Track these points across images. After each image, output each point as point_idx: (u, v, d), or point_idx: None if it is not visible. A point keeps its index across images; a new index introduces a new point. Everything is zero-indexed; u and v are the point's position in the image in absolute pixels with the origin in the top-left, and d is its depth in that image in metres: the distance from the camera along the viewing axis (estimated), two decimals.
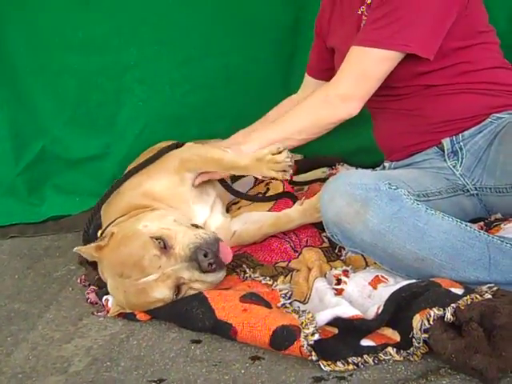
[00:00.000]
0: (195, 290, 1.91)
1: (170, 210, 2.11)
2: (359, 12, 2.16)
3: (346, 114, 2.08)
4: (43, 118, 3.17)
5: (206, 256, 1.87)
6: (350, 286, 1.87)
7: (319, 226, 2.16)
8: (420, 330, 1.52)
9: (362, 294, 1.83)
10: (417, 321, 1.54)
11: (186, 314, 1.84)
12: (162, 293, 1.88)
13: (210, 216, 2.24)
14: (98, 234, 2.14)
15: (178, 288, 1.90)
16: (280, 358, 1.64)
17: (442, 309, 1.53)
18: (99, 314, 2.04)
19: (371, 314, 1.69)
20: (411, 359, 1.53)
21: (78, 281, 2.31)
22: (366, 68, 2.03)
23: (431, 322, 1.52)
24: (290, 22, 2.97)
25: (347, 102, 2.06)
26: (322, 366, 1.54)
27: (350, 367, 1.54)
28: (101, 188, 2.38)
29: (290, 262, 2.15)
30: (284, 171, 2.06)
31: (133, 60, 3.05)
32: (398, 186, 1.82)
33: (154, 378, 1.64)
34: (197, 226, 2.05)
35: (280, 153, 2.05)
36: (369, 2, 2.12)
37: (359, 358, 1.55)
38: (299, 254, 2.16)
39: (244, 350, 1.71)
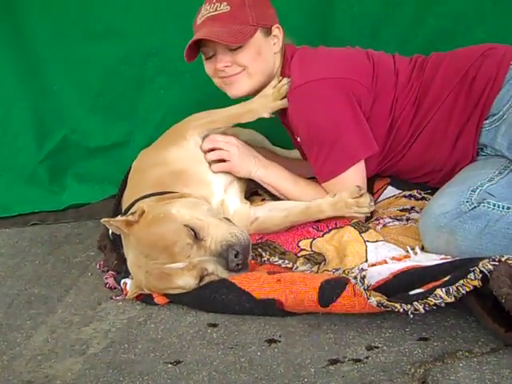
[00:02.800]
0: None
1: (201, 200, 2.11)
2: (298, 139, 2.26)
3: None
4: (65, 106, 3.20)
5: (236, 256, 1.87)
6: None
7: None
8: (484, 266, 1.53)
9: None
10: (484, 261, 1.55)
11: (215, 301, 1.85)
12: (186, 281, 1.88)
13: (226, 195, 2.23)
14: (123, 207, 2.15)
15: (201, 278, 1.90)
16: (296, 341, 1.64)
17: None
18: (117, 298, 2.05)
19: None
20: (461, 291, 1.51)
21: (97, 266, 2.32)
22: (347, 186, 2.13)
23: (497, 263, 1.54)
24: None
25: None
26: (373, 300, 1.57)
27: (400, 309, 1.55)
28: (121, 176, 2.38)
29: (314, 239, 2.11)
30: (366, 213, 2.12)
31: (154, 48, 3.05)
32: (482, 185, 1.87)
33: (171, 359, 1.65)
34: (228, 220, 2.04)
35: (361, 195, 2.09)
36: (298, 139, 2.25)
37: (409, 306, 1.54)
38: (325, 234, 2.12)
39: (260, 333, 1.71)
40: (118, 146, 3.20)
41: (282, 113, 2.31)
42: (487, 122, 2.06)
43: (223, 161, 2.23)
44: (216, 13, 2.17)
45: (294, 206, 2.21)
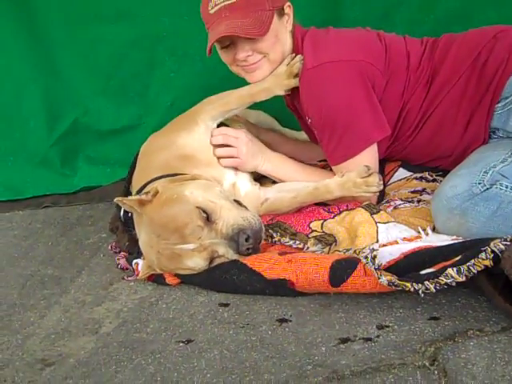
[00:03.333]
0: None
1: (214, 182, 2.12)
2: (308, 121, 2.24)
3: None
4: (76, 89, 3.20)
5: (247, 240, 1.88)
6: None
7: None
8: (496, 245, 1.53)
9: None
10: (495, 241, 1.55)
11: (226, 281, 1.87)
12: (196, 262, 1.90)
13: (237, 177, 2.24)
14: (133, 190, 2.17)
15: (211, 260, 1.91)
16: (307, 321, 1.65)
17: None
18: (129, 278, 2.07)
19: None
20: (472, 270, 1.51)
21: (109, 247, 2.35)
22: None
23: (509, 242, 1.54)
24: None
25: None
26: (384, 279, 1.58)
27: (411, 288, 1.55)
28: (132, 159, 2.40)
29: (325, 221, 2.12)
30: (375, 192, 2.12)
31: (164, 31, 3.05)
32: (495, 166, 1.85)
33: (182, 338, 1.66)
34: (239, 203, 2.04)
35: (370, 175, 2.09)
36: (309, 121, 2.22)
37: (420, 285, 1.54)
38: (336, 215, 2.13)
39: (271, 313, 1.72)
40: (129, 129, 3.20)
41: (290, 94, 2.31)
42: (499, 105, 2.05)
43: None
44: (230, 1, 2.09)
45: (302, 187, 2.22)
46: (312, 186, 2.19)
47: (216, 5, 2.11)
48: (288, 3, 2.22)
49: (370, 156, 2.15)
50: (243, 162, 2.23)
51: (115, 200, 2.00)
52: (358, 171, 2.09)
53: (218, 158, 2.22)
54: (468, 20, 2.69)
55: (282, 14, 2.19)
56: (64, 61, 3.15)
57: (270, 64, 2.21)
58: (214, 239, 1.89)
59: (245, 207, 2.04)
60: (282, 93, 2.25)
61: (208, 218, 1.90)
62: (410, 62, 2.19)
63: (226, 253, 1.90)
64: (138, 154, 2.33)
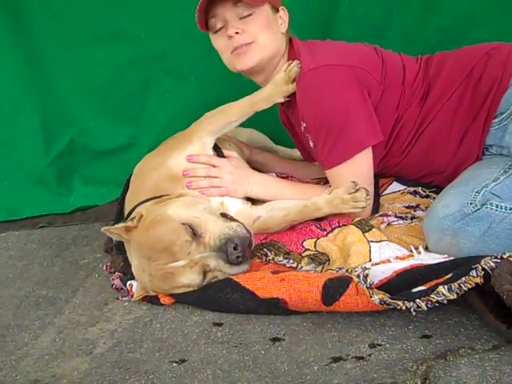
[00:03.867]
0: (219, 278, 1.94)
1: (198, 197, 2.14)
2: (302, 127, 2.27)
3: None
4: (72, 109, 3.22)
5: (235, 249, 1.88)
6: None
7: None
8: (486, 263, 1.54)
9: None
10: (486, 258, 1.56)
11: (220, 300, 1.87)
12: (189, 278, 1.90)
13: (224, 198, 2.25)
14: (125, 212, 2.17)
15: (204, 275, 1.92)
16: (300, 339, 1.65)
17: None
18: (124, 298, 2.07)
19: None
20: (463, 288, 1.52)
21: (104, 268, 2.34)
22: (356, 174, 2.15)
23: (499, 260, 1.55)
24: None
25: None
26: (376, 298, 1.58)
27: (402, 306, 1.56)
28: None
29: (318, 239, 2.13)
30: (363, 207, 2.12)
31: (160, 51, 3.08)
32: (487, 185, 1.87)
33: (176, 358, 1.66)
34: (226, 216, 2.05)
35: (357, 190, 2.10)
36: (304, 125, 2.24)
37: (411, 303, 1.55)
38: (328, 233, 2.14)
39: (264, 332, 1.72)
40: (125, 149, 3.23)
41: (284, 104, 2.34)
42: (496, 120, 2.06)
43: None
44: None
45: (293, 206, 2.23)
46: (302, 204, 2.20)
47: None
48: (283, 7, 2.29)
49: (364, 161, 2.17)
50: (229, 191, 2.24)
51: (102, 230, 2.01)
52: (346, 187, 2.10)
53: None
54: (460, 38, 2.70)
55: (276, 10, 2.26)
56: (60, 81, 3.18)
57: (259, 50, 2.22)
58: (204, 253, 1.90)
59: (231, 218, 2.05)
60: (281, 100, 2.28)
61: (195, 233, 1.91)
62: (405, 77, 2.22)
63: (218, 265, 1.91)
64: (131, 175, 2.34)
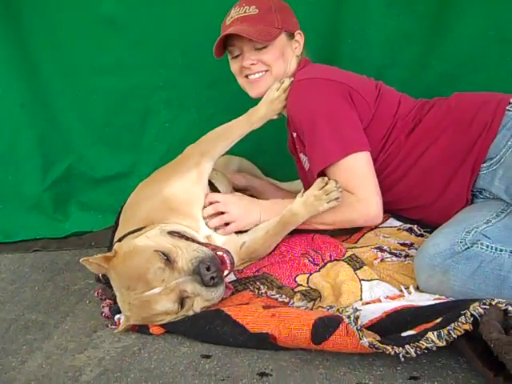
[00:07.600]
0: (199, 306, 1.93)
1: (176, 223, 2.13)
2: (295, 139, 2.38)
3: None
4: (71, 137, 3.25)
5: (208, 270, 1.89)
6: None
7: (336, 233, 2.32)
8: (475, 309, 1.55)
9: None
10: (475, 304, 1.57)
11: (210, 332, 1.87)
12: (165, 305, 1.90)
13: (212, 231, 2.25)
14: (114, 243, 2.17)
15: (181, 301, 1.91)
16: (287, 375, 1.65)
17: (504, 304, 1.57)
18: (113, 327, 2.06)
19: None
20: (452, 335, 1.53)
21: (95, 294, 2.33)
22: (352, 175, 2.18)
23: (488, 306, 1.56)
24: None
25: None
26: (365, 341, 1.58)
27: (391, 351, 1.56)
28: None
29: (311, 274, 2.15)
30: (337, 198, 2.13)
31: (160, 82, 3.11)
32: (478, 226, 1.89)
33: None
34: (199, 242, 2.05)
35: (327, 184, 2.12)
36: (295, 135, 2.35)
37: (400, 349, 1.56)
38: (321, 268, 2.16)
39: (252, 367, 1.71)
40: (122, 177, 3.25)
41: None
42: (485, 165, 2.09)
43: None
44: (245, 14, 2.29)
45: (271, 221, 2.26)
46: (279, 216, 2.24)
47: (232, 17, 2.34)
48: (299, 31, 2.38)
49: (360, 162, 2.19)
50: (240, 224, 2.27)
51: (81, 261, 2.01)
52: (315, 184, 2.15)
53: (215, 228, 2.25)
54: (457, 82, 2.74)
55: (291, 37, 2.36)
56: (60, 108, 3.21)
57: (272, 79, 2.35)
58: (179, 278, 1.89)
59: (203, 243, 2.05)
60: (275, 117, 2.38)
61: (169, 260, 1.91)
62: (398, 110, 2.28)
63: (194, 289, 1.90)
64: (124, 203, 2.34)
